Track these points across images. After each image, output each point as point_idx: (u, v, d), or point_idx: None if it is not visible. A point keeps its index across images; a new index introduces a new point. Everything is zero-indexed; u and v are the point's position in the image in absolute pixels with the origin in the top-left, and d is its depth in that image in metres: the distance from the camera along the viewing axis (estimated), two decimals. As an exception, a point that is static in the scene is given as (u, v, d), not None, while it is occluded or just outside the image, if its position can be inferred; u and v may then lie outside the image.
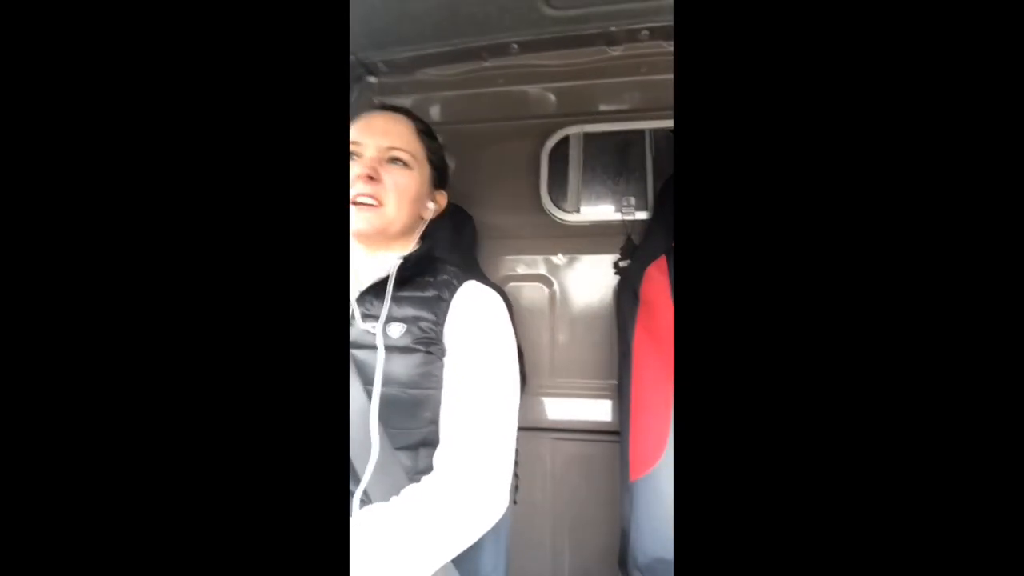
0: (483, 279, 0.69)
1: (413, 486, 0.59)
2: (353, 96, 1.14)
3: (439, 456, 0.61)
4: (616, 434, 0.99)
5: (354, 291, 0.67)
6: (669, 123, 1.06)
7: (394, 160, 0.67)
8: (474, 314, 0.65)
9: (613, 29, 1.01)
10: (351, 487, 0.62)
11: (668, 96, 1.04)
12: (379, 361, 0.62)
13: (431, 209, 0.72)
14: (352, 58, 1.08)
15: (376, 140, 0.67)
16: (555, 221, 1.10)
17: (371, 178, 0.64)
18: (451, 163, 0.77)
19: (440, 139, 0.75)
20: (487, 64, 1.11)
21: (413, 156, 0.68)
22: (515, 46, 1.05)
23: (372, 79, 1.16)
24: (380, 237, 0.67)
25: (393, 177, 0.66)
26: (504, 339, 0.66)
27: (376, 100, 1.16)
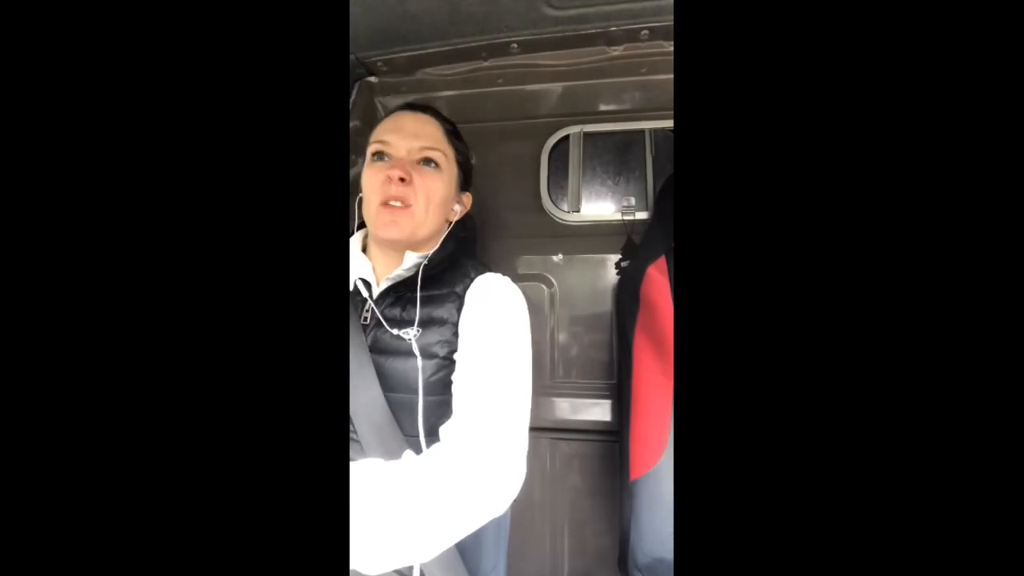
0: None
1: (415, 456, 0.54)
2: (353, 96, 1.14)
3: (448, 429, 0.57)
4: (616, 434, 0.99)
5: (375, 292, 0.67)
6: (669, 123, 1.06)
7: (426, 161, 0.66)
8: (490, 299, 0.64)
9: (613, 29, 1.01)
10: None
11: (668, 96, 1.05)
12: (392, 368, 0.61)
13: (457, 212, 0.71)
14: (352, 58, 1.08)
15: (407, 141, 0.66)
16: (555, 221, 1.10)
17: (402, 180, 0.63)
18: (474, 162, 0.76)
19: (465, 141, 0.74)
20: (487, 64, 1.11)
21: (445, 156, 0.67)
22: (515, 46, 1.05)
23: (372, 79, 1.16)
24: (408, 242, 0.66)
25: (424, 180, 0.65)
26: (519, 319, 0.64)
27: (377, 100, 1.16)
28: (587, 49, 1.06)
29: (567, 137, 1.11)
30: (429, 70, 1.14)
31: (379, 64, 1.11)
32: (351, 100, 1.14)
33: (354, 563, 0.46)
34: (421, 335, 0.62)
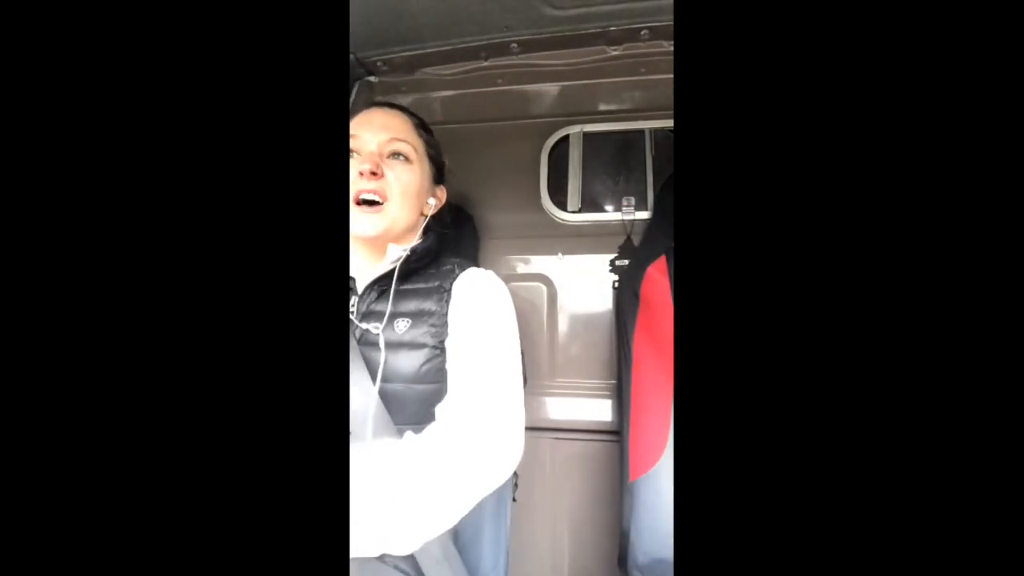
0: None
1: (414, 435, 0.54)
2: (353, 96, 1.14)
3: (444, 407, 0.58)
4: (616, 434, 0.99)
5: (359, 288, 0.67)
6: (669, 123, 1.06)
7: (395, 155, 0.67)
8: (477, 289, 0.65)
9: (613, 29, 1.01)
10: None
11: (668, 96, 1.05)
12: (381, 360, 0.62)
13: (432, 205, 0.72)
14: (352, 58, 1.08)
15: (376, 135, 0.66)
16: (555, 221, 1.10)
17: (374, 174, 0.63)
18: (446, 160, 0.77)
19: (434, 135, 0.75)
20: (487, 64, 1.11)
21: (414, 149, 0.68)
22: (515, 46, 1.06)
23: (372, 79, 1.16)
24: (384, 238, 0.66)
25: (395, 173, 0.65)
26: (506, 309, 0.65)
27: (377, 100, 1.16)
28: (587, 49, 1.07)
29: (567, 137, 1.11)
30: (429, 70, 1.14)
31: (379, 64, 1.11)
32: (351, 100, 1.14)
33: (354, 549, 0.45)
34: (409, 326, 0.63)
